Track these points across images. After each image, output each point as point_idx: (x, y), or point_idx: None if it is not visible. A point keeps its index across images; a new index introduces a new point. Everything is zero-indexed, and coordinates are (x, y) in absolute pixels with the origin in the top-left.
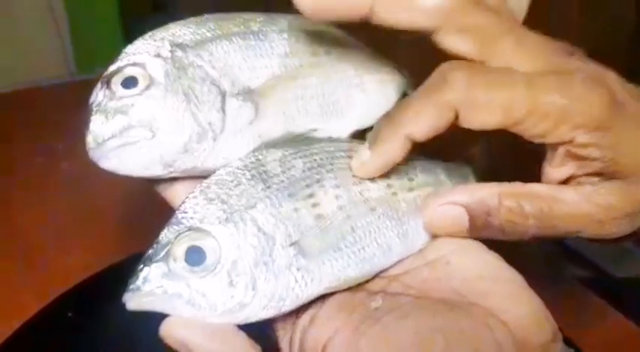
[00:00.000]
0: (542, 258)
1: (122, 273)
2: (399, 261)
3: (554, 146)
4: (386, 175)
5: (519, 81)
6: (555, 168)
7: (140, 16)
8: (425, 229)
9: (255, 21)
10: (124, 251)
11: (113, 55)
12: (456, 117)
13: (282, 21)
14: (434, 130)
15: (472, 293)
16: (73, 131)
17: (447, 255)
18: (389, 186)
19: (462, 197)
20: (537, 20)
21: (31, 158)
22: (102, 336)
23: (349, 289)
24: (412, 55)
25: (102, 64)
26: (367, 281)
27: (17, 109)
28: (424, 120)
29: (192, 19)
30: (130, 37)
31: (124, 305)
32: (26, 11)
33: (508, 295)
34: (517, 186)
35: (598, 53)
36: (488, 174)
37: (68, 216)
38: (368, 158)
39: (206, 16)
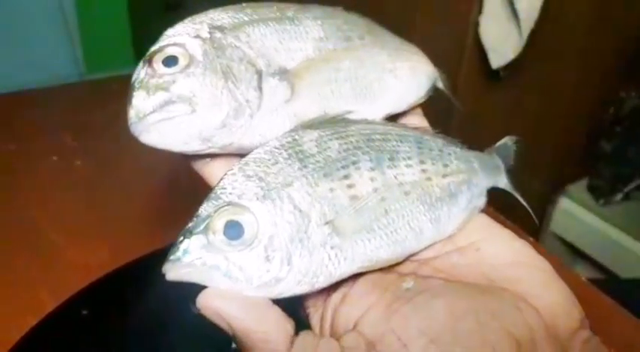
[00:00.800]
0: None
1: (136, 272)
2: (430, 246)
3: None
4: (421, 160)
5: None
6: None
7: (150, 17)
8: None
9: (290, 8)
10: (139, 250)
11: (122, 56)
12: None
13: (315, 9)
14: None
15: (502, 279)
16: (86, 130)
17: (478, 241)
18: (423, 171)
19: None
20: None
21: (45, 157)
22: (116, 334)
23: (380, 270)
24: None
25: (111, 65)
26: (398, 264)
27: (30, 109)
28: None
29: (230, 6)
30: (139, 38)
31: (139, 303)
32: (37, 13)
33: (538, 282)
34: None
35: None
36: None
37: (84, 214)
38: None
39: (244, 4)
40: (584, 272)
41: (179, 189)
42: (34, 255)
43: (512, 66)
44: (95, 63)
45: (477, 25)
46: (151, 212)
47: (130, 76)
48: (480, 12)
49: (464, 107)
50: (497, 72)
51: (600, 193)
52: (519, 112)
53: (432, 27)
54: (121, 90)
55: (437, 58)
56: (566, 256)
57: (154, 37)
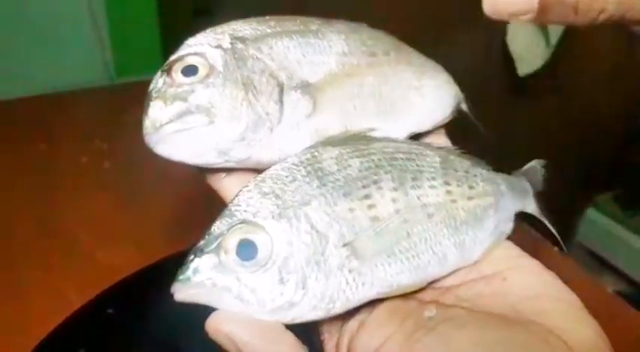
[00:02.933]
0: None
1: (162, 272)
2: (453, 273)
3: None
4: (446, 181)
5: None
6: None
7: (179, 22)
8: (487, 11)
9: (314, 22)
10: (165, 250)
11: (151, 61)
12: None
13: (339, 24)
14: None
15: (530, 311)
16: (115, 133)
17: (505, 271)
18: (448, 192)
19: None
20: None
21: (75, 158)
22: (141, 333)
23: (400, 297)
24: None
25: (140, 69)
26: (419, 291)
27: (60, 111)
28: None
29: (253, 18)
30: (168, 43)
31: (164, 304)
32: (68, 18)
33: (568, 316)
34: None
35: None
36: None
37: (112, 215)
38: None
39: (267, 16)
40: (610, 284)
41: (207, 191)
42: (62, 255)
43: (539, 77)
44: (125, 68)
45: (504, 34)
46: (179, 213)
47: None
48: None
49: (489, 121)
50: (524, 84)
51: (627, 204)
52: (546, 122)
53: (458, 38)
54: None
55: (462, 72)
56: (593, 267)
57: (183, 43)
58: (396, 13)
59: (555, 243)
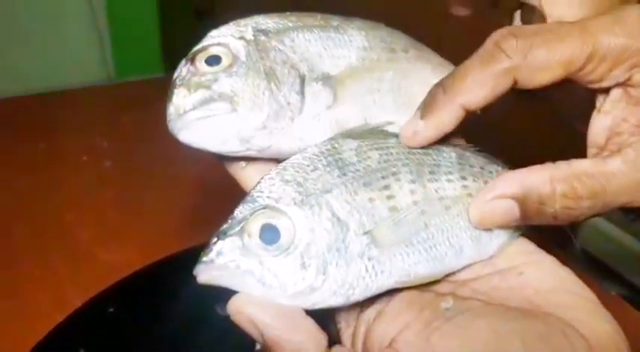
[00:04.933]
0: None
1: (163, 272)
2: (469, 266)
3: (608, 90)
4: (462, 176)
5: (572, 31)
6: (604, 115)
7: (180, 22)
8: (474, 224)
9: (334, 19)
10: (166, 249)
11: (151, 60)
12: (514, 83)
13: (359, 22)
14: (491, 100)
15: (547, 305)
16: (116, 131)
17: (520, 265)
18: (465, 187)
19: (510, 188)
20: None
21: (77, 156)
22: (141, 332)
23: (417, 288)
24: None
25: (140, 69)
26: (435, 284)
27: (61, 109)
28: (482, 89)
29: (275, 13)
30: (168, 44)
31: (164, 302)
32: (69, 18)
33: (585, 310)
34: (564, 167)
35: None
36: None
37: (112, 214)
38: (421, 128)
39: (288, 12)
40: (612, 288)
41: (207, 190)
42: (63, 253)
43: None
44: (125, 67)
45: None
46: (179, 212)
47: (158, 81)
48: (510, 23)
49: (499, 121)
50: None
51: (630, 209)
52: (551, 126)
53: (460, 38)
54: (150, 93)
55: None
56: (595, 272)
57: (183, 43)
58: (397, 13)
59: (559, 245)
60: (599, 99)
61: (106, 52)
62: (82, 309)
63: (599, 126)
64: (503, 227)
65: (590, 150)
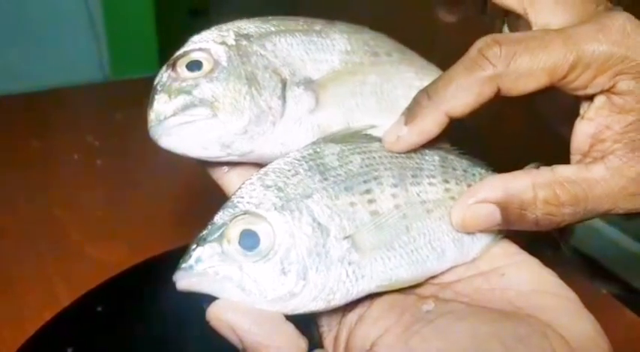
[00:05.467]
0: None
1: (152, 270)
2: (452, 269)
3: (592, 97)
4: (445, 179)
5: (556, 39)
6: (588, 122)
7: (176, 21)
8: (456, 228)
9: (317, 23)
10: (156, 248)
11: (147, 60)
12: (498, 90)
13: (343, 25)
14: (475, 107)
15: (528, 306)
16: (108, 130)
17: (502, 267)
18: (447, 190)
19: (493, 193)
20: None
21: (67, 155)
22: (130, 331)
23: (399, 291)
24: None
25: (136, 68)
26: (417, 286)
27: (54, 108)
28: (466, 97)
29: (257, 17)
30: (165, 43)
31: (153, 301)
32: (65, 16)
33: (566, 311)
34: (547, 174)
35: None
36: None
37: (103, 212)
38: (405, 133)
39: (270, 17)
40: (605, 287)
41: (198, 188)
42: (53, 251)
43: None
44: (120, 66)
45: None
46: (170, 211)
47: (153, 79)
48: (500, 30)
49: (487, 121)
50: None
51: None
52: (537, 131)
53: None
54: (144, 92)
55: None
56: (588, 271)
57: (179, 43)
58: (392, 15)
59: (543, 247)
60: (583, 106)
61: (102, 51)
62: (71, 308)
63: (582, 132)
64: (484, 231)
65: (574, 157)
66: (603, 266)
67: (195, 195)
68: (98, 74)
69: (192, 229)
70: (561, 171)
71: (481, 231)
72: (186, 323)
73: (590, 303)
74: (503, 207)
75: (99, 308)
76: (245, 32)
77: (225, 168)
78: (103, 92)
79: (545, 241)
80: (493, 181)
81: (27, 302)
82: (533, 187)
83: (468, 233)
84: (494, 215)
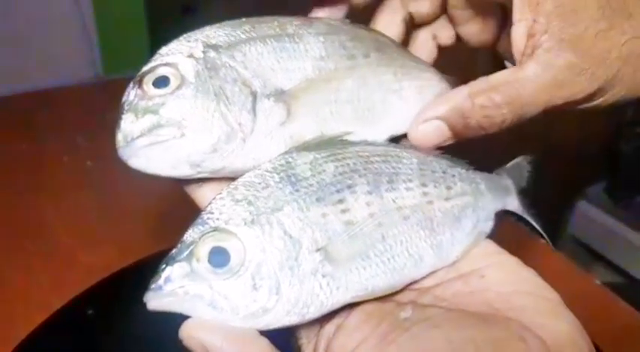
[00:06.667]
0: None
1: (143, 272)
2: (431, 273)
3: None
4: (423, 182)
5: None
6: (517, 23)
7: (167, 19)
8: (414, 140)
9: (292, 24)
10: (146, 250)
11: (139, 58)
12: None
13: (320, 24)
14: None
15: (507, 308)
16: (99, 131)
17: (483, 268)
18: (425, 194)
19: (436, 110)
20: None
21: (57, 157)
22: (120, 334)
23: (377, 299)
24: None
25: (128, 66)
26: (397, 293)
27: (45, 109)
28: None
29: (228, 22)
30: (156, 40)
31: (144, 304)
32: (55, 14)
33: (545, 311)
34: (482, 82)
35: None
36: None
37: (93, 214)
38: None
39: (243, 19)
40: (602, 276)
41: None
42: (43, 254)
43: None
44: (112, 65)
45: None
46: (160, 213)
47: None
48: None
49: None
50: None
51: (619, 195)
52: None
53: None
54: None
55: (451, 69)
56: (585, 259)
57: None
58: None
59: (548, 233)
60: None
61: (94, 50)
62: (61, 311)
63: (517, 35)
64: (439, 145)
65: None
66: (601, 255)
67: (186, 197)
68: (90, 74)
69: (183, 231)
70: (495, 76)
71: (436, 146)
72: (177, 325)
73: (583, 294)
74: (448, 120)
75: (90, 312)
76: (214, 42)
77: (199, 183)
78: (96, 92)
79: (544, 230)
80: (435, 100)
81: (17, 306)
82: (469, 96)
83: (447, 236)
84: (442, 129)
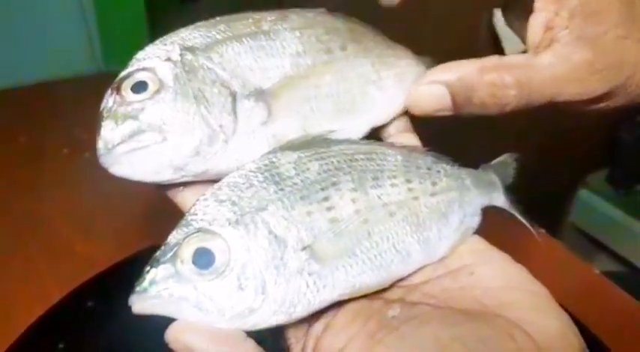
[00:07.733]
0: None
1: (143, 264)
2: (420, 270)
3: None
4: (408, 178)
5: None
6: (538, 12)
7: (167, 9)
8: (410, 110)
9: (267, 20)
10: (145, 242)
11: (140, 48)
12: None
13: (295, 18)
14: None
15: (496, 304)
16: (97, 122)
17: (471, 265)
18: (410, 190)
19: (444, 75)
20: None
21: (57, 149)
22: (120, 326)
23: (365, 297)
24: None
25: (128, 57)
26: (385, 290)
27: (44, 101)
28: None
29: (202, 22)
30: (156, 30)
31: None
32: (55, 5)
33: (534, 307)
34: (496, 60)
35: None
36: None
37: (92, 206)
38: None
39: (217, 18)
40: (603, 264)
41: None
42: (42, 247)
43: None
44: (112, 57)
45: (490, 15)
46: (159, 205)
47: None
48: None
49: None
50: None
51: (620, 184)
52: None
53: (445, 18)
54: None
55: (450, 53)
56: (586, 248)
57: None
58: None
59: (541, 225)
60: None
61: (94, 41)
62: (61, 303)
63: (535, 24)
64: (434, 114)
65: (530, 52)
66: (603, 244)
67: None
68: (90, 65)
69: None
70: (509, 58)
71: (430, 114)
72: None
73: (584, 283)
74: (452, 88)
75: (89, 304)
76: (190, 44)
77: (181, 187)
78: (95, 84)
79: (546, 219)
80: (445, 65)
81: (17, 299)
82: (480, 70)
83: (435, 232)
84: (444, 97)
